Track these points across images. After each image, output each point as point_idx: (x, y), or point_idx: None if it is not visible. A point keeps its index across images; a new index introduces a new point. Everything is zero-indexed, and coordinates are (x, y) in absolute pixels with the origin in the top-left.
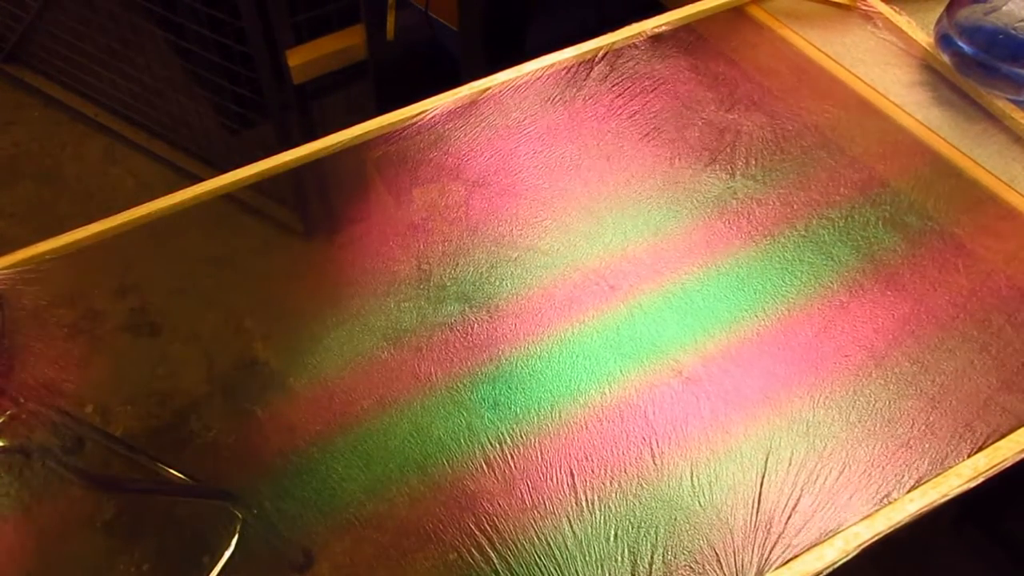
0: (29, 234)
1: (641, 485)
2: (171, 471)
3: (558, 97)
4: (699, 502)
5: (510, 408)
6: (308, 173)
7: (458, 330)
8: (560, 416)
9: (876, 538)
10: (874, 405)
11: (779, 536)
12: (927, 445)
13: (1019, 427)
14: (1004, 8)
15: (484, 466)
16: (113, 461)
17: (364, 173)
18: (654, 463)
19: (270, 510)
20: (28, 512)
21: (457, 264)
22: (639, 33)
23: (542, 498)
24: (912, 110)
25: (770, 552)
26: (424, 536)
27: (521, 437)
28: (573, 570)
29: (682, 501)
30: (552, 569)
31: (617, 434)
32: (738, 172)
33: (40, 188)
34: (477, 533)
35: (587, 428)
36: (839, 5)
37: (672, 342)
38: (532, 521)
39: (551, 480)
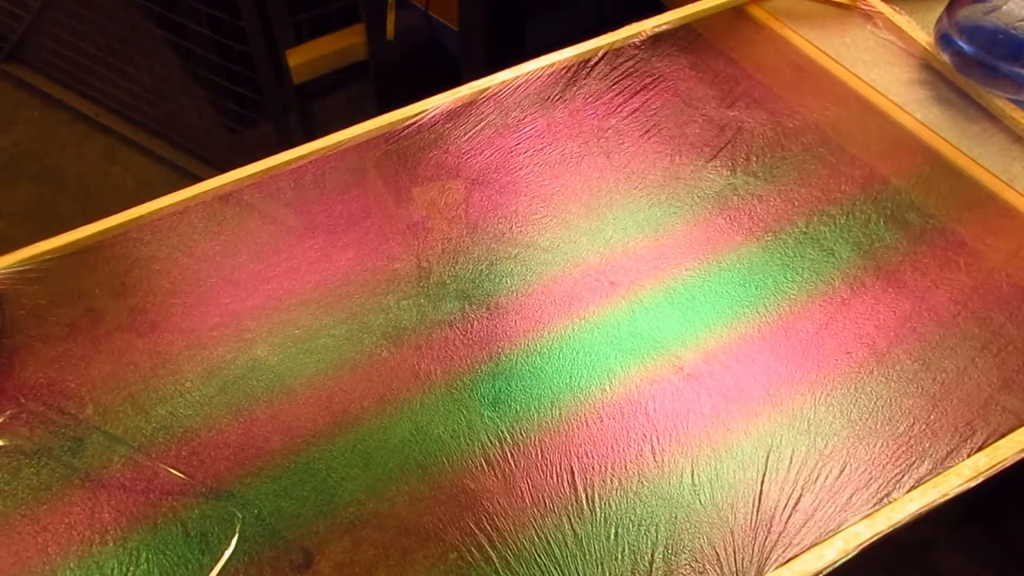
0: (29, 234)
1: (641, 483)
2: (171, 471)
3: (558, 96)
4: (699, 500)
5: (510, 406)
6: (308, 173)
7: (458, 328)
8: (560, 413)
9: (876, 537)
10: (875, 403)
11: (779, 535)
12: (927, 444)
13: (1019, 427)
14: (1004, 8)
15: (484, 464)
16: (113, 461)
17: (364, 173)
18: (654, 460)
19: (270, 510)
20: (28, 512)
21: (457, 262)
22: (639, 32)
23: (542, 496)
24: (912, 109)
25: (770, 551)
26: (424, 535)
27: (521, 435)
28: (573, 568)
29: (682, 499)
30: (552, 568)
31: (617, 431)
32: (739, 168)
33: (40, 188)
34: (477, 532)
35: (587, 425)
36: (839, 5)
37: (673, 338)
38: (532, 519)
39: (551, 478)
